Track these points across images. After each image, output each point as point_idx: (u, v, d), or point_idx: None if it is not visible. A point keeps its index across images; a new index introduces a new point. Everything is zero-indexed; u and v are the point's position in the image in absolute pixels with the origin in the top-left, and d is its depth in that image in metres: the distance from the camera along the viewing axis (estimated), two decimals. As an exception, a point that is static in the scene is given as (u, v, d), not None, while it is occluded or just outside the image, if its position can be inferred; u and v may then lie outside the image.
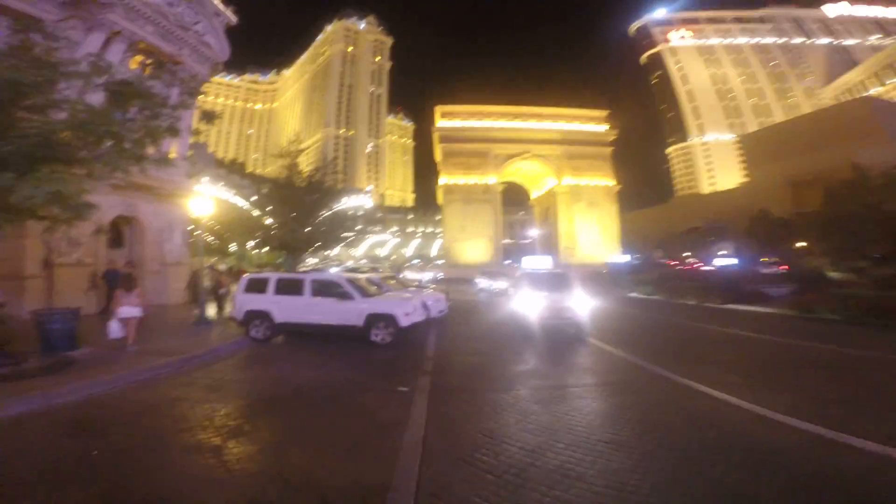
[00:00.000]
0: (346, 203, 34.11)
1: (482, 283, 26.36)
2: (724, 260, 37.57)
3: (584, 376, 7.77)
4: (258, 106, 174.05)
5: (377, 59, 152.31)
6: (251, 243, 29.04)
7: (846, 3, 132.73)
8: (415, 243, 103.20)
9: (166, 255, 19.27)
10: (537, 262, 32.65)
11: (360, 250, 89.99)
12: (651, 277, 26.89)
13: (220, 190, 25.65)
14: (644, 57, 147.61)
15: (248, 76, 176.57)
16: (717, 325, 13.43)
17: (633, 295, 25.49)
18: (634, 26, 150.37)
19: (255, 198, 20.85)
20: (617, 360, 8.75)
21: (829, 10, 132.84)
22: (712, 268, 27.55)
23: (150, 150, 8.11)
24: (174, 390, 6.74)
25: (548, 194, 70.47)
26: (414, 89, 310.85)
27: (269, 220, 20.55)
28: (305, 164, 22.69)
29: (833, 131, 66.68)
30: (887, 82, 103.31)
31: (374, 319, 10.13)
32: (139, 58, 18.56)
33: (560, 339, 10.80)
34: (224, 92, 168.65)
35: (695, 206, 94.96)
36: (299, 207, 18.85)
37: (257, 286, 11.16)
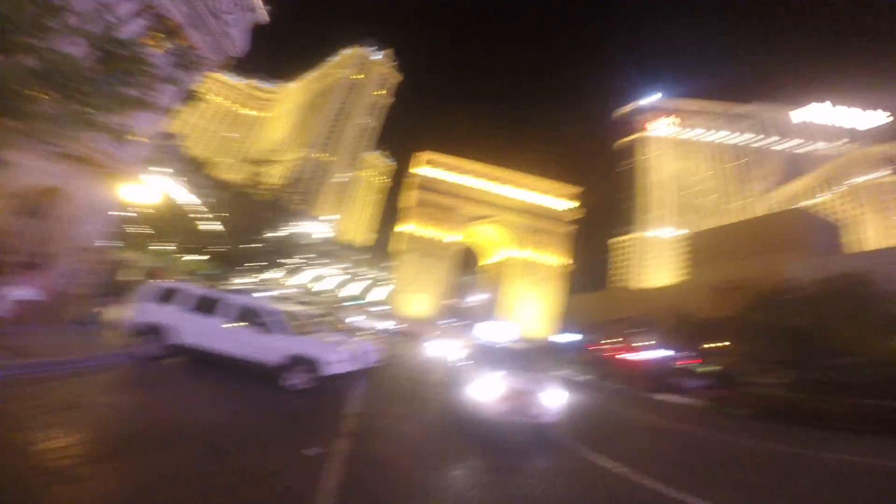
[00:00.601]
0: (303, 227, 32.80)
1: (433, 342, 25.45)
2: (651, 352, 39.29)
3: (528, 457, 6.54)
4: (251, 112, 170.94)
5: (381, 93, 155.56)
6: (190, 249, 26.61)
7: (814, 103, 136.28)
8: (362, 285, 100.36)
9: (82, 239, 16.96)
10: (495, 331, 24.74)
11: (301, 279, 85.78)
12: (585, 359, 27.44)
13: (175, 184, 23.75)
14: (620, 143, 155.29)
15: (253, 81, 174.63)
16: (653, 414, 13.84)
17: (562, 373, 25.61)
18: (619, 112, 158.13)
19: (208, 199, 19.19)
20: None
21: (795, 114, 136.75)
22: (641, 358, 28.65)
23: (112, 119, 7.03)
24: (10, 403, 5.30)
25: (500, 263, 72.17)
26: (399, 133, 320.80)
27: (216, 227, 18.92)
28: (276, 177, 21.69)
29: (766, 240, 72.88)
30: (829, 192, 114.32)
31: (294, 360, 8.94)
32: (159, 35, 17.52)
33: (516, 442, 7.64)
34: (222, 91, 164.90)
35: (627, 299, 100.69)
36: (252, 220, 17.57)
37: (163, 295, 9.72)
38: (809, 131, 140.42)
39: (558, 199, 72.16)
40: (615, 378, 21.28)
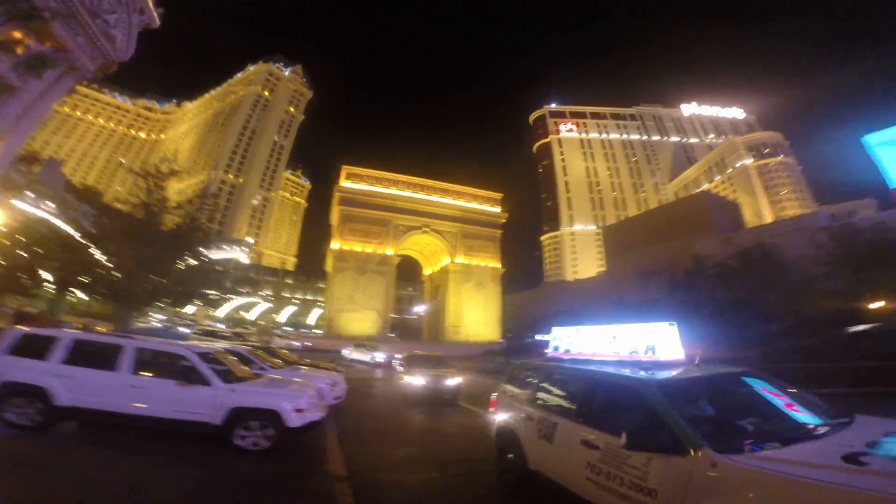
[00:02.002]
0: (220, 255, 28.68)
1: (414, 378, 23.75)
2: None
3: None
4: (142, 135, 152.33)
5: (291, 110, 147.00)
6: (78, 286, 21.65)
7: (696, 103, 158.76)
8: (289, 310, 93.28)
9: None
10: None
11: (222, 311, 77.41)
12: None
13: (52, 213, 19.01)
14: (536, 146, 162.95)
15: (143, 101, 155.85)
16: None
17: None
18: (534, 115, 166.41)
19: (86, 223, 15.23)
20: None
21: (685, 109, 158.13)
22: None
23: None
24: None
25: (441, 271, 71.06)
26: (317, 151, 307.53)
27: (104, 259, 15.02)
28: (176, 196, 18.09)
29: (675, 224, 79.93)
30: (716, 178, 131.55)
31: (241, 416, 6.60)
32: (17, 34, 13.57)
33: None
34: (108, 113, 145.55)
35: (561, 292, 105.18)
36: (150, 248, 14.10)
37: (33, 346, 6.78)
38: (691, 126, 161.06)
39: (486, 205, 73.00)
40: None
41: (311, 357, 23.79)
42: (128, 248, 13.59)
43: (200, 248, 16.38)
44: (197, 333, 25.42)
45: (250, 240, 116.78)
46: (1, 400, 6.39)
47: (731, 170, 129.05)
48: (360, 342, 34.22)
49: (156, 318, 43.44)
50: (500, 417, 6.12)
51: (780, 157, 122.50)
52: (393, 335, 65.82)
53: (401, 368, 15.61)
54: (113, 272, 13.67)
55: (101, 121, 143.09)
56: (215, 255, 23.32)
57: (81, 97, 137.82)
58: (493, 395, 6.63)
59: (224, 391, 6.62)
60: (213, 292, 17.44)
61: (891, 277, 37.12)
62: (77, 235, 14.72)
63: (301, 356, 22.89)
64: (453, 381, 13.19)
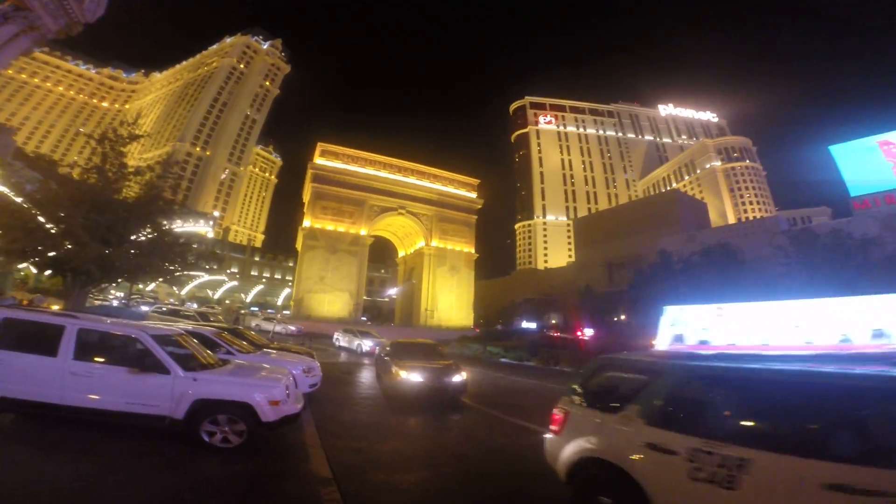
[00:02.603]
0: (183, 227, 26.94)
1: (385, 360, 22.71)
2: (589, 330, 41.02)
3: None
4: (104, 104, 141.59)
5: (266, 84, 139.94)
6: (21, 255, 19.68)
7: (672, 105, 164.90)
8: (257, 289, 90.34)
9: None
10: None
11: (186, 289, 73.99)
12: (522, 343, 26.93)
13: None
14: (514, 135, 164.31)
15: (108, 70, 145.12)
16: None
17: (504, 360, 24.82)
18: (514, 105, 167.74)
19: (30, 188, 13.50)
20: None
21: (662, 110, 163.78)
22: (587, 337, 29.18)
23: None
24: None
25: (415, 254, 70.26)
26: (293, 128, 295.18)
27: (50, 226, 13.40)
28: (138, 165, 16.46)
29: (644, 220, 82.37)
30: (685, 178, 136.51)
31: (206, 409, 5.82)
32: None
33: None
34: (68, 81, 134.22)
35: (532, 280, 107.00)
36: (102, 216, 12.67)
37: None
38: (666, 126, 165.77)
39: (462, 190, 72.32)
40: (564, 361, 20.64)
41: (310, 344, 22.77)
42: (76, 215, 12.13)
43: (161, 219, 14.98)
44: (158, 312, 23.76)
45: (216, 213, 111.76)
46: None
47: (700, 171, 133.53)
48: (348, 327, 31.98)
49: (115, 297, 40.83)
50: (578, 445, 4.18)
51: (747, 162, 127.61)
52: (364, 318, 64.89)
53: (385, 357, 12.26)
54: (58, 238, 12.15)
55: (60, 89, 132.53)
56: (178, 228, 21.78)
57: (41, 64, 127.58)
58: (557, 410, 4.71)
59: (185, 380, 5.80)
60: (174, 267, 16.04)
61: (842, 279, 39.62)
62: (18, 200, 13.00)
63: (300, 342, 21.79)
64: (458, 376, 10.82)
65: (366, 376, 15.27)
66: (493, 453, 7.12)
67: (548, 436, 4.78)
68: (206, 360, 6.75)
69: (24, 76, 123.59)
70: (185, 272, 19.71)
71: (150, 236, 14.79)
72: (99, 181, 13.29)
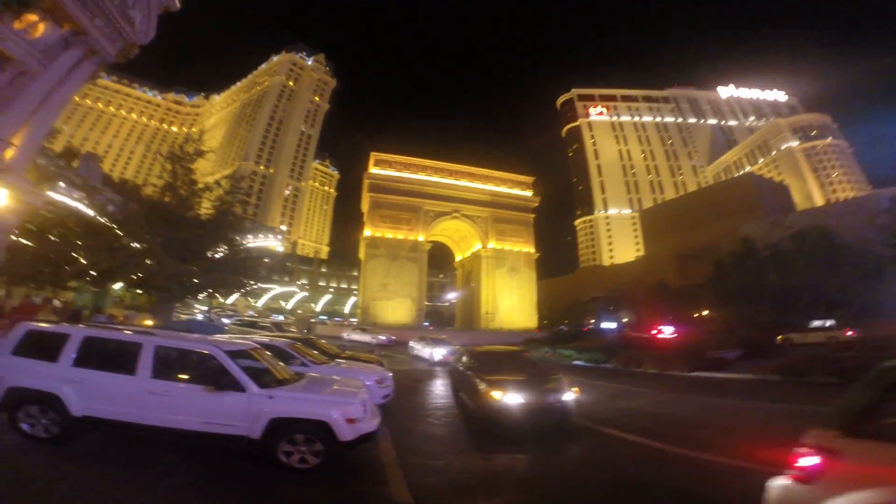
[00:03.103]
0: (253, 242, 28.24)
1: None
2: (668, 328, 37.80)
3: None
4: (174, 128, 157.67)
5: (316, 100, 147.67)
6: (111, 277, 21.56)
7: (733, 85, 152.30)
8: (325, 298, 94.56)
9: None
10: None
11: (261, 301, 79.25)
12: (597, 344, 25.17)
13: (81, 202, 18.84)
14: (565, 129, 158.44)
15: (172, 95, 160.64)
16: (734, 398, 11.68)
17: (578, 363, 23.21)
18: (561, 98, 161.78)
19: (111, 209, 14.63)
20: None
21: (722, 92, 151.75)
22: (670, 336, 26.79)
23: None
24: None
25: (472, 257, 69.60)
26: (345, 140, 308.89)
27: (135, 246, 14.41)
28: (211, 184, 17.34)
29: (718, 207, 75.63)
30: (759, 161, 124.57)
31: (283, 427, 5.43)
32: (33, 16, 13.16)
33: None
34: (139, 108, 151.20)
35: (597, 277, 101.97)
36: (178, 233, 13.34)
37: (42, 345, 5.78)
38: (729, 109, 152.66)
39: (517, 189, 70.55)
40: (648, 362, 18.78)
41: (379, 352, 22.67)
42: (154, 233, 12.85)
43: (232, 234, 15.64)
44: (237, 324, 25.11)
45: (284, 227, 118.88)
46: (13, 408, 5.47)
47: (775, 152, 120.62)
48: (423, 335, 30.79)
49: (199, 311, 44.15)
50: None
51: (829, 139, 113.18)
52: (427, 323, 65.23)
53: (466, 372, 9.86)
54: (139, 257, 12.96)
55: (133, 115, 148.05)
56: (250, 243, 22.77)
57: (113, 93, 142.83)
58: (811, 447, 2.97)
59: (261, 398, 5.47)
60: (247, 280, 16.67)
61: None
62: (102, 220, 14.14)
63: (381, 355, 21.57)
64: (567, 392, 8.28)
65: (438, 385, 14.71)
66: (641, 489, 5.45)
67: (782, 482, 3.13)
68: (281, 374, 6.44)
69: (100, 105, 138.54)
70: (259, 285, 20.51)
71: (223, 252, 15.39)
72: (172, 199, 14.03)
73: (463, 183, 66.84)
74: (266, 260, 20.01)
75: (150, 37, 18.64)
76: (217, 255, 15.09)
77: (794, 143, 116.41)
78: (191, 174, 15.84)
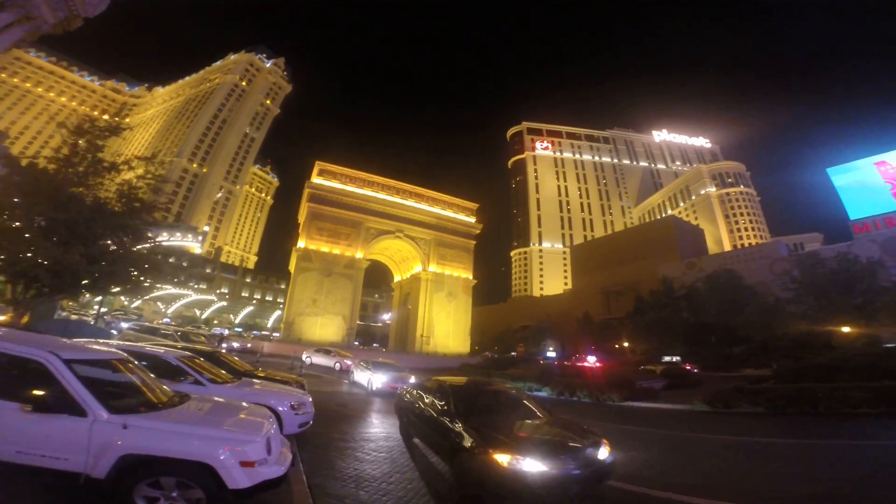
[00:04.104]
0: (169, 240, 24.87)
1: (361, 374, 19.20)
2: (592, 357, 38.72)
3: None
4: (105, 117, 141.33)
5: (267, 103, 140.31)
6: None
7: (666, 130, 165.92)
8: (247, 310, 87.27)
9: None
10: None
11: (172, 308, 70.90)
12: (531, 373, 24.79)
13: None
14: (511, 161, 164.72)
15: (112, 82, 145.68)
16: (679, 429, 11.44)
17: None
18: (512, 130, 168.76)
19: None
20: None
21: (656, 136, 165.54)
22: (594, 365, 27.09)
23: None
24: None
25: (412, 279, 68.18)
26: (291, 148, 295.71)
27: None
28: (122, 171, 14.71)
29: (642, 247, 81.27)
30: (680, 204, 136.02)
31: (141, 468, 3.89)
32: None
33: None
34: (72, 92, 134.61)
35: (528, 307, 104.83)
36: (63, 213, 10.78)
37: None
38: (660, 152, 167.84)
39: (461, 214, 71.16)
40: (581, 390, 18.57)
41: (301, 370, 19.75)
42: (34, 210, 10.24)
43: (137, 224, 13.11)
44: (135, 330, 21.47)
45: (206, 228, 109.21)
46: None
47: (695, 197, 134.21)
48: (366, 357, 24.13)
49: (98, 313, 38.07)
50: None
51: (741, 187, 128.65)
52: (357, 342, 62.13)
53: (440, 416, 6.82)
54: (15, 238, 10.15)
55: (63, 99, 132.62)
56: (164, 240, 19.84)
57: (46, 73, 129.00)
58: None
59: (109, 426, 3.87)
60: (146, 278, 14.05)
61: (852, 303, 38.42)
62: None
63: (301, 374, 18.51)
64: (603, 449, 5.75)
65: (367, 408, 13.05)
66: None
67: None
68: (157, 396, 4.77)
69: (28, 84, 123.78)
70: (160, 286, 17.66)
71: (122, 241, 12.84)
72: (60, 173, 11.46)
73: (409, 203, 65.95)
74: (171, 259, 17.27)
75: (100, 9, 16.29)
76: (110, 246, 12.51)
77: (712, 189, 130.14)
78: (96, 151, 13.35)
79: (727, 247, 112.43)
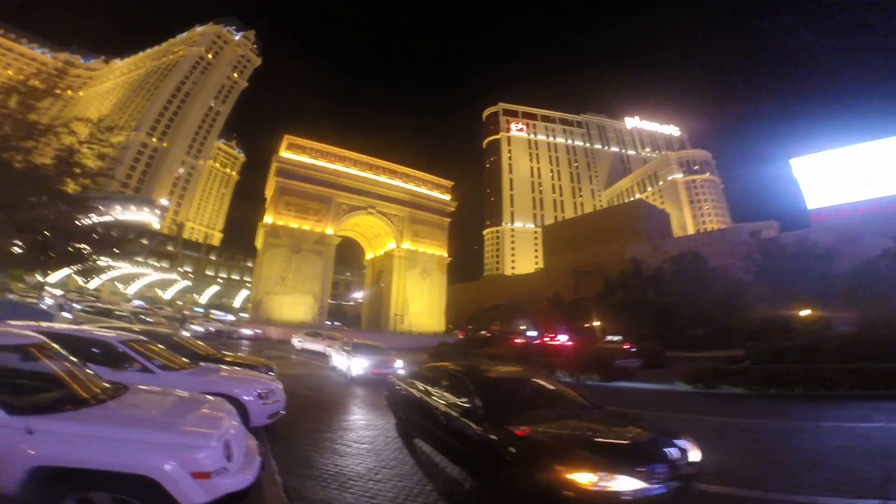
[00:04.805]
0: (123, 214, 22.92)
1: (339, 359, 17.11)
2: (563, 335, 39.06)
3: None
4: (56, 90, 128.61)
5: (234, 76, 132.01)
6: None
7: (638, 117, 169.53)
8: (212, 290, 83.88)
9: None
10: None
11: (131, 287, 67.12)
12: (508, 351, 24.65)
13: None
14: (486, 141, 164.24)
15: (66, 54, 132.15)
16: (671, 410, 10.96)
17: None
18: (488, 111, 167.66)
19: None
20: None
21: (628, 122, 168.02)
22: (569, 343, 27.23)
23: None
24: None
25: (385, 256, 67.05)
26: (259, 123, 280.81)
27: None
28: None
29: (610, 229, 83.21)
30: (648, 189, 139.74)
31: (62, 482, 3.03)
32: None
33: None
34: (20, 64, 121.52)
35: (500, 286, 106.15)
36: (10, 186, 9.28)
37: None
38: (631, 138, 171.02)
39: (436, 192, 70.08)
40: (561, 370, 18.52)
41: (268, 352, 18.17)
42: None
43: (75, 190, 11.61)
44: (87, 312, 19.67)
45: (164, 202, 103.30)
46: None
47: (662, 182, 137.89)
48: (349, 339, 21.83)
49: (53, 295, 35.13)
50: None
51: (707, 175, 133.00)
52: (329, 322, 60.91)
53: (461, 417, 5.06)
54: None
55: (10, 73, 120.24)
56: (118, 214, 18.11)
57: None
58: None
59: (7, 430, 2.97)
60: (90, 251, 12.57)
61: (809, 288, 40.50)
62: None
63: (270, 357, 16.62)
64: (695, 451, 4.34)
65: (344, 392, 12.32)
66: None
67: None
68: (85, 389, 3.84)
69: None
70: (115, 265, 16.10)
71: (59, 209, 11.36)
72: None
73: (382, 179, 64.16)
74: (114, 233, 15.58)
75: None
76: (42, 213, 11.02)
77: (679, 176, 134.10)
78: (30, 111, 11.66)
79: (691, 230, 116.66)
